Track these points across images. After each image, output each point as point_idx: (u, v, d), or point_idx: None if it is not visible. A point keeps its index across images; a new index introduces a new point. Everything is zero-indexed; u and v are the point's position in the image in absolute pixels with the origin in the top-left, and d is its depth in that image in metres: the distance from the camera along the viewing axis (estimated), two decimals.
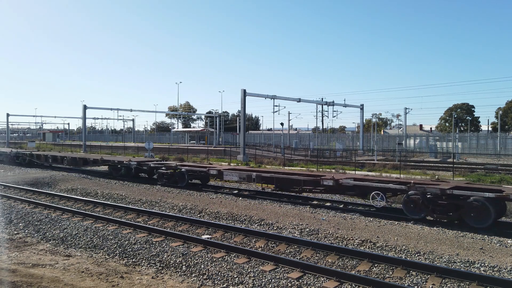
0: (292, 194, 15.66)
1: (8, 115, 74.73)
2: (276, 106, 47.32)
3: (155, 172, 19.41)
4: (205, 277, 7.10)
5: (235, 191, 17.20)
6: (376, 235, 9.60)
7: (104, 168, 25.61)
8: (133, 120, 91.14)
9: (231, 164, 27.74)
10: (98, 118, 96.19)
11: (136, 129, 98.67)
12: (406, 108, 57.76)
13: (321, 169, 25.46)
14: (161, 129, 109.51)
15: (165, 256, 8.21)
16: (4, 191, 17.24)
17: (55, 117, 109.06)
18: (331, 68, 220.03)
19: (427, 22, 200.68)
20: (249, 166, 26.76)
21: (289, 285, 6.68)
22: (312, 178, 14.18)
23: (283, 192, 16.24)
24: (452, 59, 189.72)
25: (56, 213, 12.61)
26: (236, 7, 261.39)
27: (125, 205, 13.78)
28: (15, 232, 10.50)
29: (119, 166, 21.89)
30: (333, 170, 25.02)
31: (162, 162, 22.43)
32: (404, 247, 8.63)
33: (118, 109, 62.93)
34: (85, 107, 50.76)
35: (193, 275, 7.24)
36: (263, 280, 6.88)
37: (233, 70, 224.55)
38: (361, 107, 53.95)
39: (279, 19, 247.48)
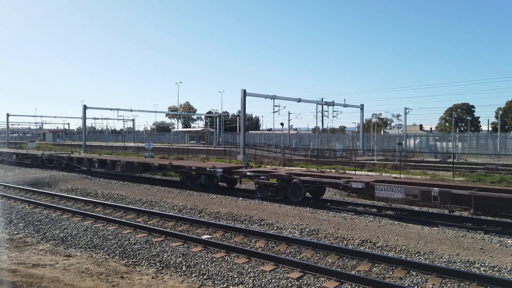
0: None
1: (8, 115, 74.76)
2: (276, 106, 47.42)
3: (256, 181, 15.50)
4: (205, 277, 7.10)
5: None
6: (376, 235, 9.59)
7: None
8: (133, 120, 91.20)
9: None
10: (98, 118, 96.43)
11: (136, 129, 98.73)
12: (406, 108, 57.85)
13: (321, 169, 25.45)
14: (161, 129, 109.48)
15: (165, 256, 8.20)
16: (4, 191, 17.25)
17: (55, 117, 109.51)
18: (331, 68, 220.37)
19: (427, 22, 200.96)
20: (390, 176, 19.40)
21: (289, 285, 6.68)
22: None
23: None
24: (452, 59, 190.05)
25: (56, 213, 12.61)
26: (236, 7, 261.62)
27: (125, 205, 13.78)
28: (15, 232, 10.50)
29: (194, 174, 18.20)
30: (333, 170, 25.02)
31: (266, 170, 17.46)
32: (404, 247, 8.63)
33: (118, 109, 62.96)
34: (85, 107, 50.76)
35: (193, 275, 7.24)
36: (263, 280, 6.88)
37: (233, 70, 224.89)
38: (361, 107, 53.95)
39: (279, 19, 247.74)
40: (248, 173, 16.34)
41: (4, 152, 34.62)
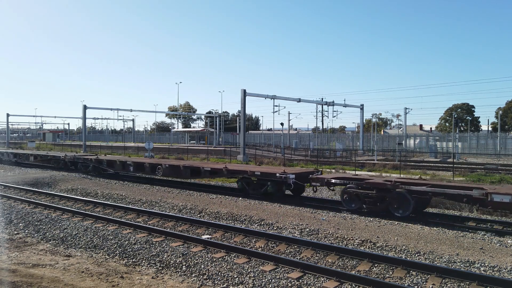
0: None
1: (8, 115, 74.75)
2: (276, 106, 47.40)
3: (343, 190, 12.91)
4: (205, 277, 7.10)
5: None
6: (376, 235, 9.59)
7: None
8: (133, 120, 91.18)
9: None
10: (98, 118, 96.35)
11: (136, 129, 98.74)
12: (406, 108, 57.89)
13: (321, 169, 25.44)
14: (161, 129, 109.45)
15: (165, 256, 8.20)
16: (4, 191, 17.24)
17: (55, 117, 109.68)
18: (331, 68, 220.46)
19: (427, 22, 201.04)
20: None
21: (289, 285, 6.68)
22: None
23: None
24: (452, 59, 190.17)
25: (56, 213, 12.61)
26: (236, 7, 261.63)
27: (125, 205, 13.78)
28: (15, 232, 10.50)
29: (255, 180, 15.68)
30: (333, 170, 25.03)
31: (357, 177, 14.49)
32: (404, 247, 8.63)
33: (118, 109, 62.92)
34: (85, 107, 50.74)
35: (193, 275, 7.24)
36: (263, 280, 6.88)
37: (233, 70, 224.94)
38: (361, 107, 53.95)
39: (279, 19, 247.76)
40: (333, 181, 13.45)
41: (21, 154, 33.03)
